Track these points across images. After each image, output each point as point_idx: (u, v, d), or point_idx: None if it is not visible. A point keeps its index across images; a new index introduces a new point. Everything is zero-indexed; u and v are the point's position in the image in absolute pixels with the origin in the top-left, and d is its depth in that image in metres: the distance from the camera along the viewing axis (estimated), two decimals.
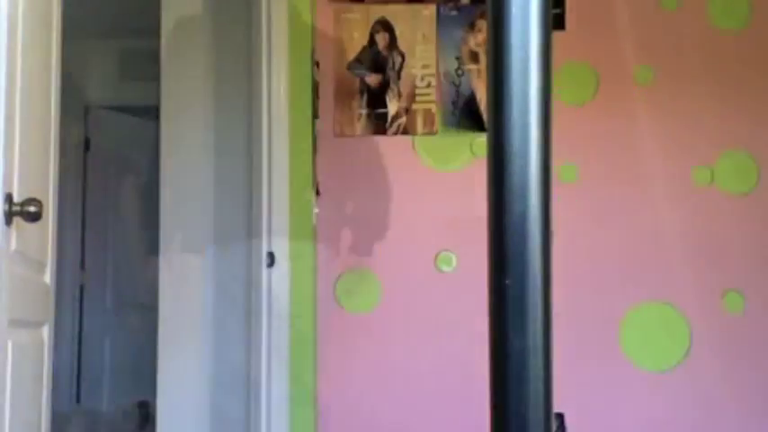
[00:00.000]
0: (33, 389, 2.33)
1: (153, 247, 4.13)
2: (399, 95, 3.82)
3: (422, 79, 3.80)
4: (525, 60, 0.79)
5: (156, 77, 4.11)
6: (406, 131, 3.80)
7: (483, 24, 3.80)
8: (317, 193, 3.74)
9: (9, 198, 2.05)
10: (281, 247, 3.55)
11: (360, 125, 3.82)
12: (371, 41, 3.83)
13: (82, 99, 5.79)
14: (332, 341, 3.73)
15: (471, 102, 3.80)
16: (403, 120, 3.81)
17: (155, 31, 4.11)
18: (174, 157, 4.03)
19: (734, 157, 3.75)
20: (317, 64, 3.77)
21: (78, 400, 5.66)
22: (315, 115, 3.72)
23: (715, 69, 3.78)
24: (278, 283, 3.51)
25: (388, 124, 3.81)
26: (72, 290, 5.69)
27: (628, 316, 3.70)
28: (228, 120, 4.01)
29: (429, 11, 3.83)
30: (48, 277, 2.50)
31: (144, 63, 5.53)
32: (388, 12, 3.83)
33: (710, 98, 3.77)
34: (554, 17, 3.73)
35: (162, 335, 3.98)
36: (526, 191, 0.78)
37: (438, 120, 3.79)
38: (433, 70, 3.81)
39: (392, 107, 3.82)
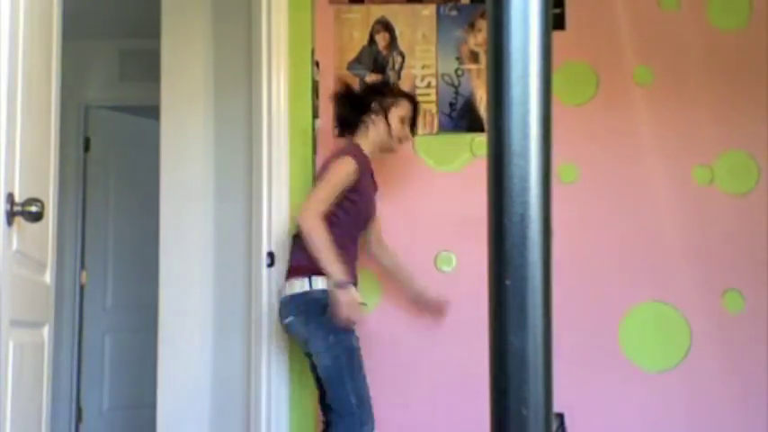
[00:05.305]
0: (33, 389, 2.33)
1: (153, 247, 4.13)
2: None
3: (422, 79, 3.80)
4: (525, 60, 0.79)
5: (156, 77, 4.11)
6: None
7: (483, 24, 3.80)
8: None
9: (11, 198, 2.04)
10: (282, 248, 3.55)
11: None
12: (371, 41, 3.83)
13: (82, 99, 5.78)
14: None
15: (471, 102, 3.80)
16: None
17: (155, 31, 4.11)
18: (174, 157, 4.03)
19: (734, 157, 3.75)
20: (317, 64, 3.77)
21: (78, 400, 5.66)
22: (315, 115, 3.72)
23: (715, 69, 3.78)
24: (278, 283, 3.51)
25: None
26: (72, 290, 5.69)
27: (628, 316, 3.70)
28: (228, 120, 4.01)
29: (429, 11, 3.82)
30: (48, 277, 2.50)
31: (144, 63, 5.53)
32: (388, 12, 3.83)
33: (710, 98, 3.77)
34: (554, 17, 3.73)
35: (162, 335, 3.98)
36: (526, 191, 0.78)
37: (437, 120, 3.79)
38: (432, 70, 3.81)
39: None
